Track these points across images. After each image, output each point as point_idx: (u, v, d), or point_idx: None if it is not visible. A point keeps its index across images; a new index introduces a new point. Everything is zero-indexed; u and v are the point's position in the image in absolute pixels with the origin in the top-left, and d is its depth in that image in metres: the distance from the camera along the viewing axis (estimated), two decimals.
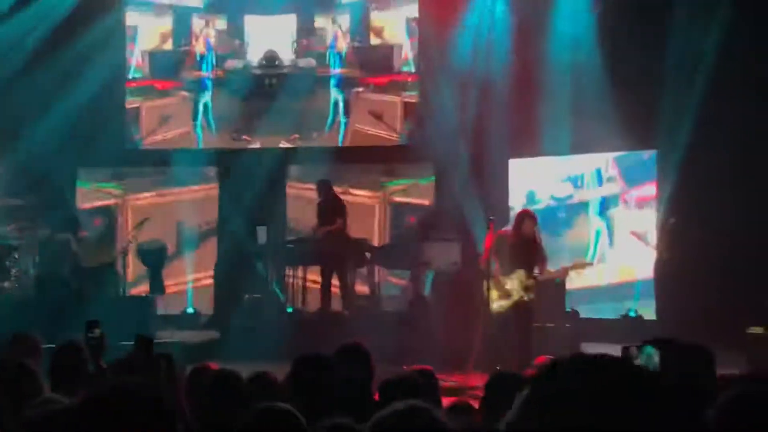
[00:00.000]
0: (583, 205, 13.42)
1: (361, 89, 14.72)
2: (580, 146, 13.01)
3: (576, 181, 13.47)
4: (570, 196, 13.49)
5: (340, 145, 14.56)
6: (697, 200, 11.98)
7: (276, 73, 14.66)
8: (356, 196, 14.53)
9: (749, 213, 11.40)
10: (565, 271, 9.66)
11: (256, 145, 14.69)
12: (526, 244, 9.20)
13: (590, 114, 12.50)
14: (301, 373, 4.11)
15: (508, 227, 9.43)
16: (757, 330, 10.04)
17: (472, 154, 13.62)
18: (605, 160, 13.19)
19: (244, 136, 14.74)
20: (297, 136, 14.70)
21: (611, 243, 13.12)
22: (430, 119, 14.11)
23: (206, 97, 14.79)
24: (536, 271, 9.36)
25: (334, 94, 14.66)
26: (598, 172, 13.30)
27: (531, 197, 13.68)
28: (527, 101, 13.00)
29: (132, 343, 4.01)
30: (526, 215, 9.42)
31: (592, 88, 12.63)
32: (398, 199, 14.68)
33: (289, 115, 14.57)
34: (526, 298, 9.18)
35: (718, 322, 10.95)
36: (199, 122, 14.76)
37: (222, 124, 14.79)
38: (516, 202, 13.46)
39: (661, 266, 12.08)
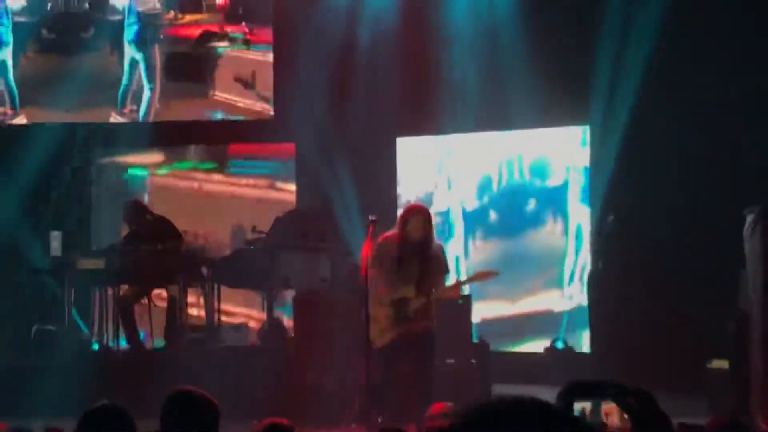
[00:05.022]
0: (558, 192, 13.32)
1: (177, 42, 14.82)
2: (492, 121, 13.24)
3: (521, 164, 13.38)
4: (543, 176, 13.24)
5: (140, 120, 14.80)
6: (642, 192, 12.28)
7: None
8: (180, 190, 14.59)
9: (708, 207, 11.73)
10: (457, 286, 9.74)
11: (22, 121, 14.67)
12: (416, 251, 9.24)
13: (505, 84, 12.77)
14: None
15: (394, 230, 9.45)
16: (719, 364, 10.33)
17: (345, 133, 13.71)
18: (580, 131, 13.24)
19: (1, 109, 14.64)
20: (127, 109, 14.70)
21: None
22: (288, 87, 14.16)
23: (4, 53, 14.63)
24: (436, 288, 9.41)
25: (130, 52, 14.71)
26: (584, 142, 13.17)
27: (485, 186, 13.57)
28: (420, 68, 13.18)
29: None
30: (413, 211, 9.43)
31: (508, 52, 12.90)
32: (243, 191, 14.72)
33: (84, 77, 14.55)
34: (419, 324, 9.23)
35: (670, 354, 11.27)
36: None
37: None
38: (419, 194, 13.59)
39: (595, 281, 12.35)
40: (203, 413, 4.63)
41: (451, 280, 9.89)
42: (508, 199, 13.45)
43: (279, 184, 14.89)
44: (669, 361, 10.94)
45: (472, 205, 13.60)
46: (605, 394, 3.02)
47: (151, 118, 14.81)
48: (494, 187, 13.51)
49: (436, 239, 9.53)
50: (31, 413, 9.24)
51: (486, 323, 12.94)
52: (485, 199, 13.56)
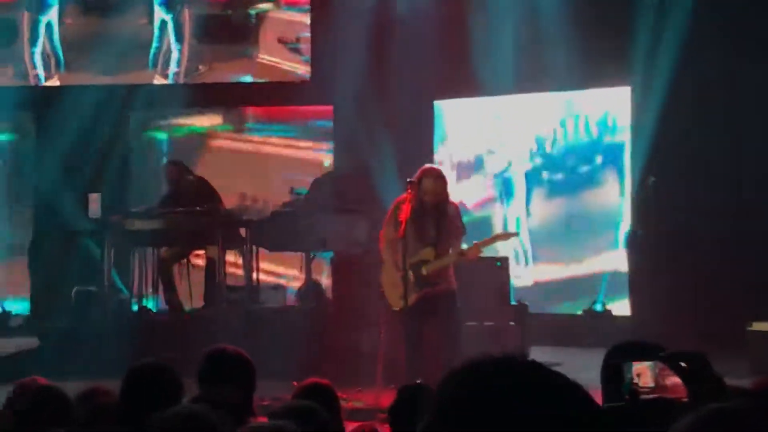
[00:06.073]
0: (615, 153, 13.09)
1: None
2: (532, 83, 13.17)
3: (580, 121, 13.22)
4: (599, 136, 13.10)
5: (170, 82, 14.75)
6: (683, 153, 12.18)
7: None
8: (221, 150, 14.58)
9: (750, 168, 11.63)
10: (476, 248, 9.54)
11: (56, 83, 14.70)
12: (431, 213, 9.14)
13: (545, 44, 12.69)
14: (135, 390, 4.16)
15: (407, 192, 9.28)
16: (762, 326, 10.26)
17: (382, 95, 13.70)
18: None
19: (35, 71, 14.68)
20: (162, 71, 14.73)
21: None
22: (326, 49, 14.15)
23: (50, 14, 14.62)
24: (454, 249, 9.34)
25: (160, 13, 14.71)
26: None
27: (540, 146, 13.40)
28: (459, 30, 13.13)
29: None
30: (425, 173, 9.26)
31: (547, 12, 12.82)
32: (284, 152, 14.73)
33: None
34: (438, 287, 9.14)
35: (711, 316, 11.20)
36: (36, 50, 14.59)
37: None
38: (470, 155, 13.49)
39: (635, 243, 12.27)
40: (239, 371, 4.65)
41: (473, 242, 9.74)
42: (564, 160, 13.33)
43: (317, 146, 14.87)
44: (710, 323, 10.85)
45: (528, 166, 13.52)
46: (657, 357, 2.95)
47: (181, 80, 14.79)
48: (549, 147, 13.39)
49: (452, 200, 9.41)
50: (71, 374, 9.29)
51: (540, 285, 12.91)
52: (538, 160, 13.45)
